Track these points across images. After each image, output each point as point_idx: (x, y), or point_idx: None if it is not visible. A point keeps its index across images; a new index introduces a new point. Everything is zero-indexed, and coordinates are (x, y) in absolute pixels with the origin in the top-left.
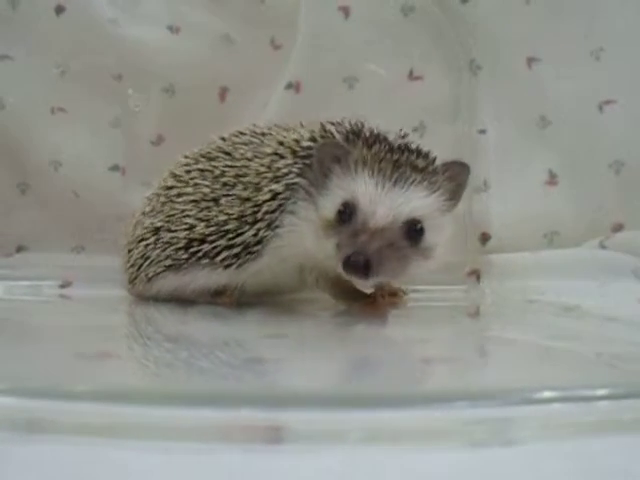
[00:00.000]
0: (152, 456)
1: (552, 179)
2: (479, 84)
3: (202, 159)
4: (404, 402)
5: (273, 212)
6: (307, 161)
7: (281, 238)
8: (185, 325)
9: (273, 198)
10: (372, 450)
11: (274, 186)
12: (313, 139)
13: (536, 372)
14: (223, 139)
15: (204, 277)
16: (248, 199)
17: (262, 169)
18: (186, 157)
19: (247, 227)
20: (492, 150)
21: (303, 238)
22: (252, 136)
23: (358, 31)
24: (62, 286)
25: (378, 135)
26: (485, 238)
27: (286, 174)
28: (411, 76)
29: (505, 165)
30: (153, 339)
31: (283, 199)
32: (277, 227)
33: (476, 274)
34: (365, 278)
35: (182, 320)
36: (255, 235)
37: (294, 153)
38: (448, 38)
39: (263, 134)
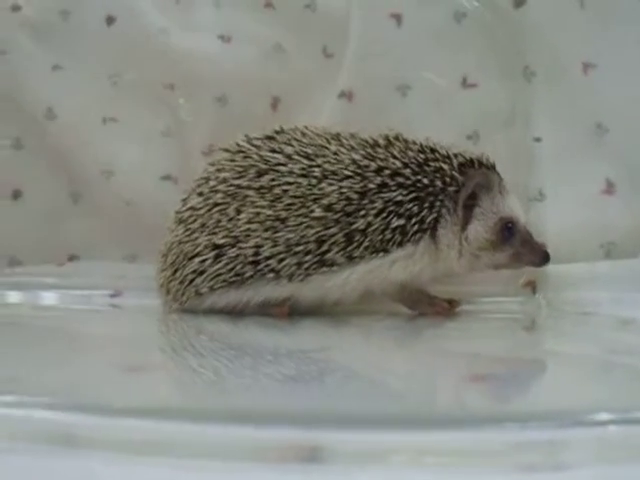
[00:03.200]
0: (185, 474)
1: (609, 188)
2: (534, 91)
3: (250, 173)
4: (449, 423)
5: (386, 241)
6: (433, 198)
7: (388, 262)
8: (234, 337)
9: (394, 230)
10: (414, 473)
11: (400, 222)
12: (424, 172)
13: (591, 391)
14: (256, 147)
15: (267, 291)
16: (337, 222)
17: (352, 195)
18: (220, 169)
19: (331, 247)
20: (548, 158)
21: (444, 263)
22: (306, 147)
23: (410, 38)
24: (113, 295)
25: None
26: None
27: (417, 212)
28: (465, 83)
29: (561, 174)
30: (199, 351)
31: (412, 232)
32: (386, 252)
33: (532, 285)
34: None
35: (232, 332)
36: (343, 254)
37: (401, 185)
38: (501, 44)
39: (321, 146)
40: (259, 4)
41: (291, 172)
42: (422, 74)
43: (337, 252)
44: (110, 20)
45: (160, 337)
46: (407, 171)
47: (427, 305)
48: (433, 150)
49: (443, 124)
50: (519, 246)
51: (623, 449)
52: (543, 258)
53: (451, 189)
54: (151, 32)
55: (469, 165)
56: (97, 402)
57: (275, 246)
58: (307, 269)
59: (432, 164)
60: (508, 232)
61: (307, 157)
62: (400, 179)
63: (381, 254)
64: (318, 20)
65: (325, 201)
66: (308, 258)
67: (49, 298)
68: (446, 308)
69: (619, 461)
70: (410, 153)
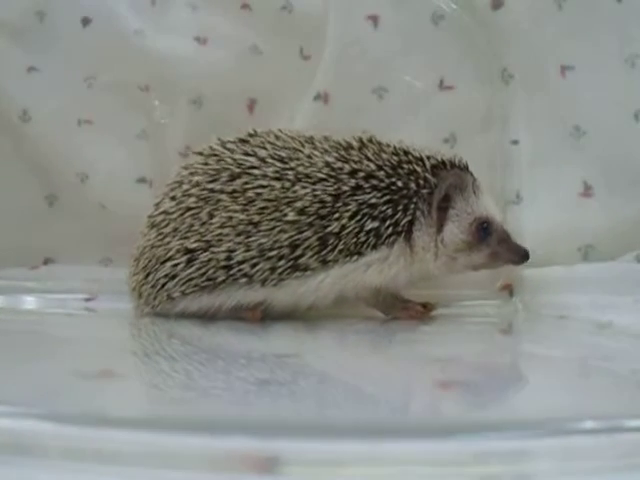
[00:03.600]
0: None
1: (587, 190)
2: (511, 93)
3: (223, 176)
4: (422, 432)
5: (360, 244)
6: (407, 200)
7: (363, 265)
8: (206, 341)
9: (368, 233)
10: None
11: (374, 224)
12: (397, 175)
13: (569, 397)
14: (229, 150)
15: (240, 296)
16: (310, 225)
17: (326, 197)
18: (193, 173)
19: (305, 251)
20: (525, 161)
21: (420, 265)
22: (280, 150)
23: (387, 40)
24: (88, 299)
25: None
26: None
27: (391, 215)
28: (442, 86)
29: (538, 177)
30: (171, 355)
31: (386, 235)
32: (360, 255)
33: (509, 289)
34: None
35: (204, 335)
36: (317, 258)
37: (375, 188)
38: (479, 46)
39: (294, 149)
40: (235, 6)
41: (264, 175)
42: (399, 76)
43: (311, 256)
44: (86, 21)
45: (132, 341)
46: (381, 173)
47: (401, 309)
48: (407, 152)
49: (420, 127)
50: (496, 245)
51: (602, 459)
52: (522, 256)
53: (425, 191)
54: (127, 34)
55: (441, 167)
56: (50, 410)
57: (248, 251)
58: (280, 274)
59: (406, 166)
60: (484, 232)
61: (281, 160)
62: (374, 181)
63: (355, 257)
64: (295, 22)
65: (299, 204)
66: (281, 263)
67: (23, 302)
68: (420, 312)
69: (599, 471)
70: (384, 155)
